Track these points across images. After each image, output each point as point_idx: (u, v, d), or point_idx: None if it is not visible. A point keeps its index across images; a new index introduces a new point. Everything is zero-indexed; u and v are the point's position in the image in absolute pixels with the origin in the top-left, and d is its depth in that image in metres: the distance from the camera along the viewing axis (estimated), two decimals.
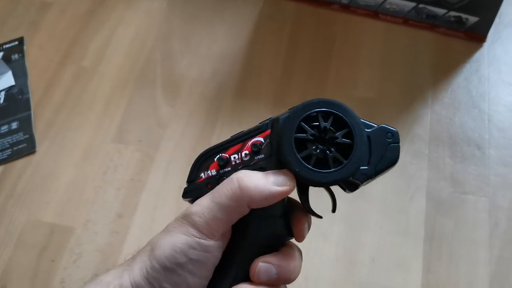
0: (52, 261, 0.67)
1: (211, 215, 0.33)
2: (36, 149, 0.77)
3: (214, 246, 0.34)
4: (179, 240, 0.33)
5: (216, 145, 0.37)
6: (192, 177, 0.37)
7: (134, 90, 0.83)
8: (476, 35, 0.84)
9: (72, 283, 0.65)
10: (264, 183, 0.33)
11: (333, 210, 0.38)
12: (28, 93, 0.83)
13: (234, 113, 0.80)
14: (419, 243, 0.68)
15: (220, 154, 0.36)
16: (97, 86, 0.84)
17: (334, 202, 0.38)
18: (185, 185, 0.39)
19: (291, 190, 0.34)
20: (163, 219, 0.70)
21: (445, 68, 0.83)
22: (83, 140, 0.78)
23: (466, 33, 0.85)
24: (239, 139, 0.36)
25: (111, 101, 0.82)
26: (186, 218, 0.35)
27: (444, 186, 0.72)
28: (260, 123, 0.37)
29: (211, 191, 0.35)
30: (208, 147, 0.37)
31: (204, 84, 0.83)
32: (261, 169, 0.35)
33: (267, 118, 0.37)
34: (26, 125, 0.80)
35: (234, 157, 0.36)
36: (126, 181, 0.74)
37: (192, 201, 0.37)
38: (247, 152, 0.36)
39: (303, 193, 0.36)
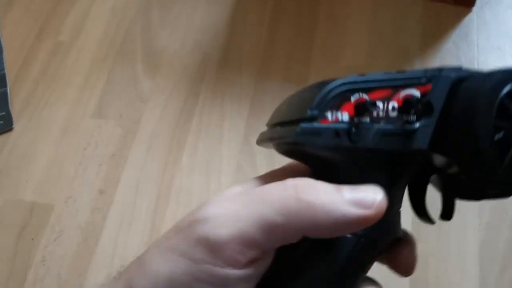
0: (32, 239, 0.65)
1: (239, 228, 0.21)
2: (13, 126, 0.75)
3: (237, 279, 0.21)
4: (178, 267, 0.21)
5: (358, 77, 0.25)
6: (314, 111, 0.24)
7: (114, 64, 0.81)
8: (465, 0, 0.82)
9: (53, 261, 0.63)
10: (335, 200, 0.21)
11: (448, 217, 0.27)
12: (3, 69, 0.80)
13: (217, 85, 0.78)
14: (408, 212, 0.66)
15: (361, 94, 0.25)
16: (75, 61, 0.81)
17: (451, 207, 0.27)
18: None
19: (378, 216, 0.22)
20: (146, 196, 0.68)
21: (434, 34, 0.81)
22: (62, 116, 0.76)
23: None
24: (390, 82, 0.25)
25: (90, 76, 0.80)
26: (194, 228, 0.21)
27: None
28: (408, 71, 0.25)
29: (245, 190, 0.24)
30: (338, 78, 0.25)
31: (186, 56, 0.81)
32: (410, 134, 0.24)
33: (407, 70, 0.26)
34: (2, 102, 0.77)
35: (379, 106, 0.25)
36: (107, 156, 0.72)
37: (299, 156, 0.27)
38: (395, 105, 0.24)
39: (420, 191, 0.28)
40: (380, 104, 0.24)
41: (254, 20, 0.84)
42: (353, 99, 0.25)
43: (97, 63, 0.81)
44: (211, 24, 0.84)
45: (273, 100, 0.75)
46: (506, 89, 0.22)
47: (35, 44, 0.83)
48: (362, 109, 0.25)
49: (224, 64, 0.80)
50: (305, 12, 0.84)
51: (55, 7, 0.87)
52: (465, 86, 0.23)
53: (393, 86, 0.25)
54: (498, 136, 0.22)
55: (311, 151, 0.25)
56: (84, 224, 0.66)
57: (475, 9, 0.83)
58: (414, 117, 0.24)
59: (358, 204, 0.21)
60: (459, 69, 0.24)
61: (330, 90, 0.25)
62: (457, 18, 0.82)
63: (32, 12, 0.86)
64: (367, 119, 0.24)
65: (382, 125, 0.24)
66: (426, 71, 0.24)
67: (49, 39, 0.83)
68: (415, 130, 0.23)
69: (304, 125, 0.24)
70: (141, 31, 0.84)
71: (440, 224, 0.28)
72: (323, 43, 0.80)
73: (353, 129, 0.24)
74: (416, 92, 0.24)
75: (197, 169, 0.71)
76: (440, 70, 0.24)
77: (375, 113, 0.24)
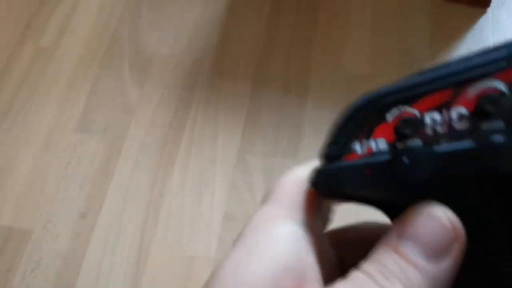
0: (8, 270, 0.60)
1: None
2: None
3: None
4: None
5: (394, 86, 0.18)
6: (334, 148, 0.19)
7: (99, 70, 0.74)
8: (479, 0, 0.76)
9: None
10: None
11: None
12: None
13: (210, 94, 0.72)
14: None
15: (402, 108, 0.18)
16: (58, 69, 0.75)
17: None
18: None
19: (460, 235, 0.17)
20: (132, 219, 0.63)
21: (445, 37, 0.75)
22: (43, 129, 0.70)
23: None
24: (447, 78, 0.17)
25: (74, 85, 0.73)
26: None
27: None
28: (475, 54, 0.17)
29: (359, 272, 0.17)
30: (352, 103, 0.19)
31: (176, 61, 0.75)
32: (492, 151, 0.16)
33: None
34: None
35: (432, 119, 0.17)
36: (90, 175, 0.66)
37: (326, 195, 0.20)
38: (463, 110, 0.17)
39: None
40: (435, 116, 0.17)
41: (250, 23, 0.77)
42: (390, 117, 0.18)
43: (81, 71, 0.75)
44: (203, 25, 0.77)
45: (270, 112, 0.69)
46: None
47: (16, 48, 0.77)
48: (406, 128, 0.17)
49: (217, 71, 0.73)
50: (304, 9, 0.77)
51: (39, 7, 0.80)
52: None
53: (455, 82, 0.17)
54: None
55: (353, 196, 0.19)
56: (64, 251, 0.61)
57: (490, 9, 0.76)
58: (500, 123, 0.16)
59: (435, 257, 0.16)
60: None
61: (352, 114, 0.18)
62: (471, 20, 0.76)
63: (14, 15, 0.80)
64: (418, 142, 0.17)
65: (444, 145, 0.17)
66: (509, 48, 0.16)
67: (31, 42, 0.77)
68: (501, 144, 0.16)
69: (322, 168, 0.19)
70: (129, 34, 0.77)
71: None
72: (323, 48, 0.74)
73: (397, 160, 0.17)
74: (497, 84, 0.16)
75: (188, 188, 0.65)
76: None
77: (429, 131, 0.17)
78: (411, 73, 0.18)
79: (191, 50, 0.75)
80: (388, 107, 0.18)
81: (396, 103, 0.18)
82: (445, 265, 0.16)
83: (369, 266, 0.17)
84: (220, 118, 0.70)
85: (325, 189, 0.19)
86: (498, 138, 0.16)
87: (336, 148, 0.18)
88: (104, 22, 0.78)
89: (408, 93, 0.17)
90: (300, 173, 0.21)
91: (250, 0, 0.79)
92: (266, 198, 0.20)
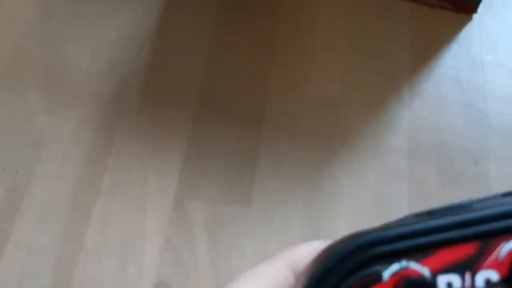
0: None
1: None
2: None
3: None
4: None
5: (396, 231, 0.13)
6: None
7: None
8: (465, 4, 0.64)
9: None
10: None
11: None
12: None
13: (140, 123, 0.57)
14: None
15: (405, 263, 0.13)
16: None
17: None
18: None
19: None
20: None
21: (426, 50, 0.62)
22: None
23: (452, 2, 0.64)
24: (470, 228, 0.13)
25: None
26: None
27: None
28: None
29: None
30: (362, 231, 0.14)
31: (98, 79, 0.60)
32: None
33: None
34: None
35: (450, 285, 0.12)
36: None
37: None
38: (494, 275, 0.12)
39: None
40: (454, 279, 0.12)
41: (193, 35, 0.63)
42: (387, 275, 0.13)
43: None
44: (133, 35, 0.62)
45: (217, 145, 0.55)
46: None
47: None
48: None
49: (149, 93, 0.59)
50: (260, 20, 0.64)
51: None
52: None
53: (484, 233, 0.12)
54: None
55: None
56: None
57: (476, 16, 0.64)
58: None
59: None
60: None
61: (332, 265, 0.13)
62: (456, 29, 0.64)
63: None
64: None
65: None
66: None
67: None
68: None
69: None
70: (39, 47, 0.62)
71: None
72: (284, 66, 0.60)
73: None
74: None
75: (109, 249, 0.50)
76: None
77: None
78: (419, 212, 0.13)
79: (116, 66, 0.60)
80: (385, 260, 0.13)
81: (397, 255, 0.13)
82: None
83: None
84: (152, 152, 0.55)
85: None
86: None
87: None
88: (4, 34, 0.62)
89: (415, 242, 0.13)
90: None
91: (190, 11, 0.65)
92: None
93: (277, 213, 0.52)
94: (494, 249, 0.13)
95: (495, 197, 0.14)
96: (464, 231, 0.13)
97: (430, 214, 0.14)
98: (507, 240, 0.13)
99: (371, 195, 0.53)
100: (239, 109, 0.57)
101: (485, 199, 0.14)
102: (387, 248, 0.13)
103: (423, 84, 0.60)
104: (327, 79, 0.59)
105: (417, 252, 0.13)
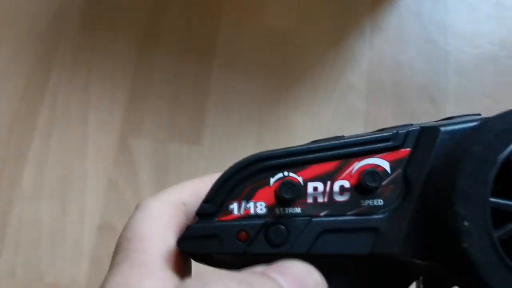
0: None
1: None
2: None
3: None
4: None
5: (283, 150, 0.18)
6: (210, 205, 0.18)
7: None
8: None
9: None
10: None
11: None
12: None
13: (79, 55, 0.52)
14: None
15: (286, 173, 0.18)
16: None
17: None
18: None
19: None
20: None
21: None
22: None
23: None
24: (335, 151, 0.18)
25: None
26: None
27: None
28: (380, 130, 0.19)
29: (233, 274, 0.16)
30: (251, 155, 0.18)
31: (34, 9, 0.54)
32: (370, 231, 0.17)
33: (392, 127, 0.19)
34: None
35: (316, 188, 0.18)
36: None
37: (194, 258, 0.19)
38: (347, 184, 0.18)
39: None
40: (318, 185, 0.18)
41: None
42: (273, 179, 0.18)
43: None
44: None
45: (164, 80, 0.51)
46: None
47: None
48: (288, 194, 0.17)
49: (90, 23, 0.54)
50: None
51: None
52: (452, 144, 0.17)
53: (342, 155, 0.18)
54: (505, 231, 0.15)
55: (222, 261, 0.19)
56: None
57: None
58: (380, 201, 0.17)
59: None
60: (456, 122, 0.18)
61: (236, 171, 0.18)
62: None
63: None
64: (297, 209, 0.18)
65: (323, 218, 0.18)
66: (398, 129, 0.18)
67: None
68: (380, 223, 0.17)
69: (192, 226, 0.18)
70: None
71: None
72: None
73: (273, 227, 0.17)
74: (381, 162, 0.18)
75: (47, 192, 0.47)
76: (423, 128, 0.18)
77: (310, 199, 0.18)
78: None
79: None
80: (273, 171, 0.18)
81: (281, 167, 0.18)
82: None
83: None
84: (93, 88, 0.51)
85: (191, 250, 0.18)
86: (373, 217, 0.17)
87: (211, 206, 0.18)
88: None
89: (295, 159, 0.18)
90: (167, 201, 0.20)
91: None
92: (118, 256, 0.18)
93: (227, 151, 0.49)
94: (350, 166, 0.18)
95: (361, 135, 0.18)
96: (329, 153, 0.18)
97: (315, 142, 0.18)
98: (360, 160, 0.18)
99: (326, 131, 0.51)
100: (188, 42, 0.53)
101: (353, 136, 0.18)
102: (274, 162, 0.18)
103: (386, 18, 0.57)
104: (283, 10, 0.55)
105: (295, 166, 0.18)
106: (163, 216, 0.19)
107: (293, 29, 0.55)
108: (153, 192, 0.20)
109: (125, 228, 0.19)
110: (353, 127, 0.52)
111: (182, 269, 0.18)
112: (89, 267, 0.46)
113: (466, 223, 0.15)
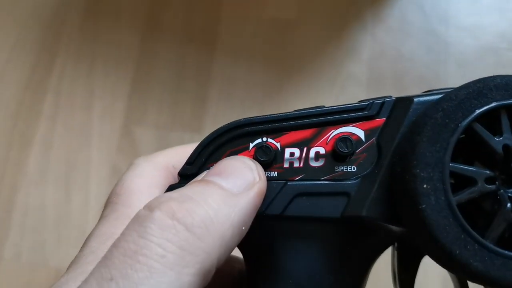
0: None
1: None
2: None
3: None
4: None
5: (263, 117, 0.19)
6: (191, 167, 0.19)
7: None
8: None
9: None
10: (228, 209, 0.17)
11: None
12: None
13: (83, 44, 0.53)
14: None
15: (265, 138, 0.19)
16: None
17: None
18: None
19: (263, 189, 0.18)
20: None
21: None
22: None
23: None
24: (312, 119, 0.19)
25: None
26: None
27: None
28: (359, 102, 0.19)
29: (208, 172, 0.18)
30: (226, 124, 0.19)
31: None
32: (342, 195, 0.18)
33: (362, 100, 0.19)
34: None
35: (292, 154, 0.19)
36: None
37: None
38: (322, 150, 0.19)
39: (412, 269, 0.21)
40: (295, 151, 0.19)
41: None
42: (252, 144, 0.19)
43: None
44: None
45: (167, 69, 0.52)
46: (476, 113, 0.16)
47: None
48: (263, 157, 0.18)
49: (94, 11, 0.54)
50: None
51: None
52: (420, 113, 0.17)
53: (318, 123, 0.19)
54: (462, 196, 0.16)
55: None
56: None
57: None
58: (353, 168, 0.18)
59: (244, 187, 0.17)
60: (431, 93, 0.18)
61: (217, 135, 0.19)
62: None
63: None
64: (274, 173, 0.19)
65: (298, 181, 0.19)
66: (374, 99, 0.19)
67: None
68: (351, 188, 0.18)
69: (172, 185, 0.19)
70: None
71: None
72: None
73: None
74: (356, 130, 0.19)
75: (52, 177, 0.48)
76: (398, 98, 0.19)
77: (286, 164, 0.19)
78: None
79: None
80: (252, 136, 0.19)
81: (260, 133, 0.19)
82: (246, 199, 0.17)
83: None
84: (97, 76, 0.51)
85: None
86: (346, 182, 0.18)
87: (192, 167, 0.19)
88: None
89: (274, 126, 0.19)
90: (157, 162, 0.21)
91: None
92: (107, 209, 0.19)
93: None
94: (326, 134, 0.19)
95: (339, 105, 0.19)
96: (307, 121, 0.19)
97: (296, 111, 0.19)
98: (336, 128, 0.19)
99: None
100: (190, 32, 0.53)
101: (331, 106, 0.19)
102: (254, 128, 0.19)
103: (388, 9, 0.58)
104: (283, 2, 0.56)
105: (274, 132, 0.19)
106: (152, 176, 0.20)
107: (294, 18, 0.55)
108: None
109: (116, 184, 0.20)
110: None
111: None
112: None
113: (425, 186, 0.16)
